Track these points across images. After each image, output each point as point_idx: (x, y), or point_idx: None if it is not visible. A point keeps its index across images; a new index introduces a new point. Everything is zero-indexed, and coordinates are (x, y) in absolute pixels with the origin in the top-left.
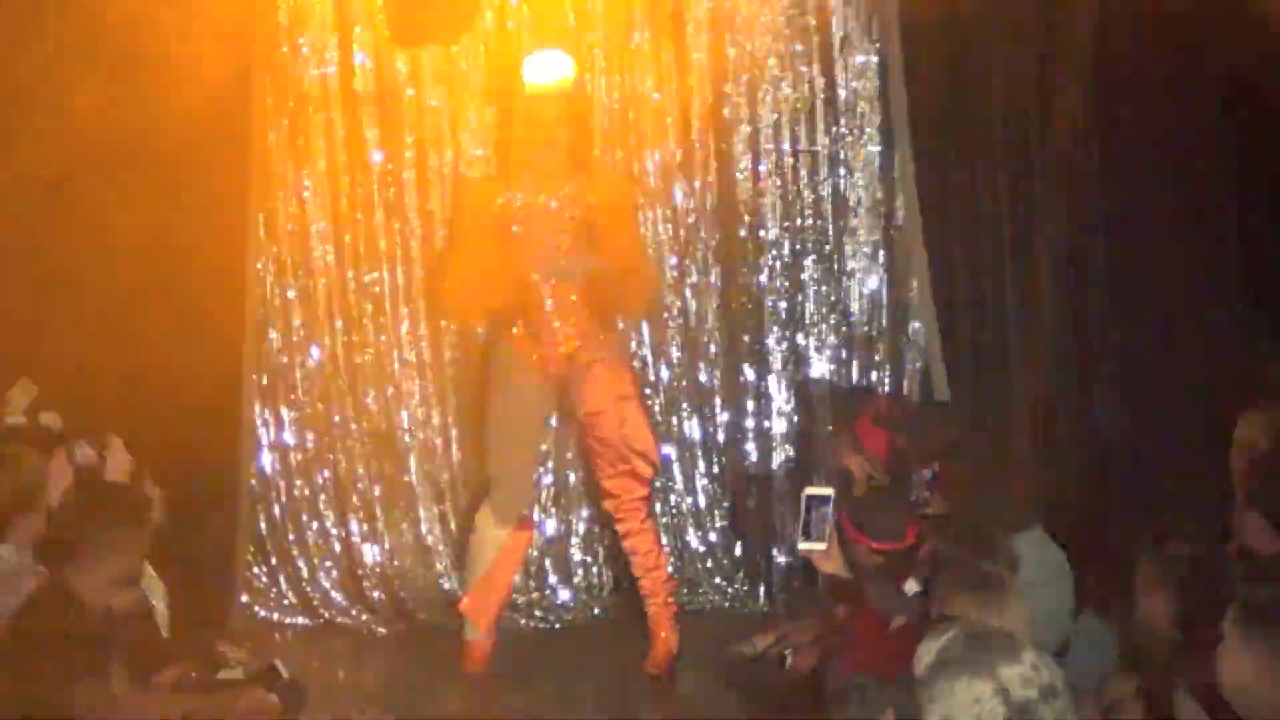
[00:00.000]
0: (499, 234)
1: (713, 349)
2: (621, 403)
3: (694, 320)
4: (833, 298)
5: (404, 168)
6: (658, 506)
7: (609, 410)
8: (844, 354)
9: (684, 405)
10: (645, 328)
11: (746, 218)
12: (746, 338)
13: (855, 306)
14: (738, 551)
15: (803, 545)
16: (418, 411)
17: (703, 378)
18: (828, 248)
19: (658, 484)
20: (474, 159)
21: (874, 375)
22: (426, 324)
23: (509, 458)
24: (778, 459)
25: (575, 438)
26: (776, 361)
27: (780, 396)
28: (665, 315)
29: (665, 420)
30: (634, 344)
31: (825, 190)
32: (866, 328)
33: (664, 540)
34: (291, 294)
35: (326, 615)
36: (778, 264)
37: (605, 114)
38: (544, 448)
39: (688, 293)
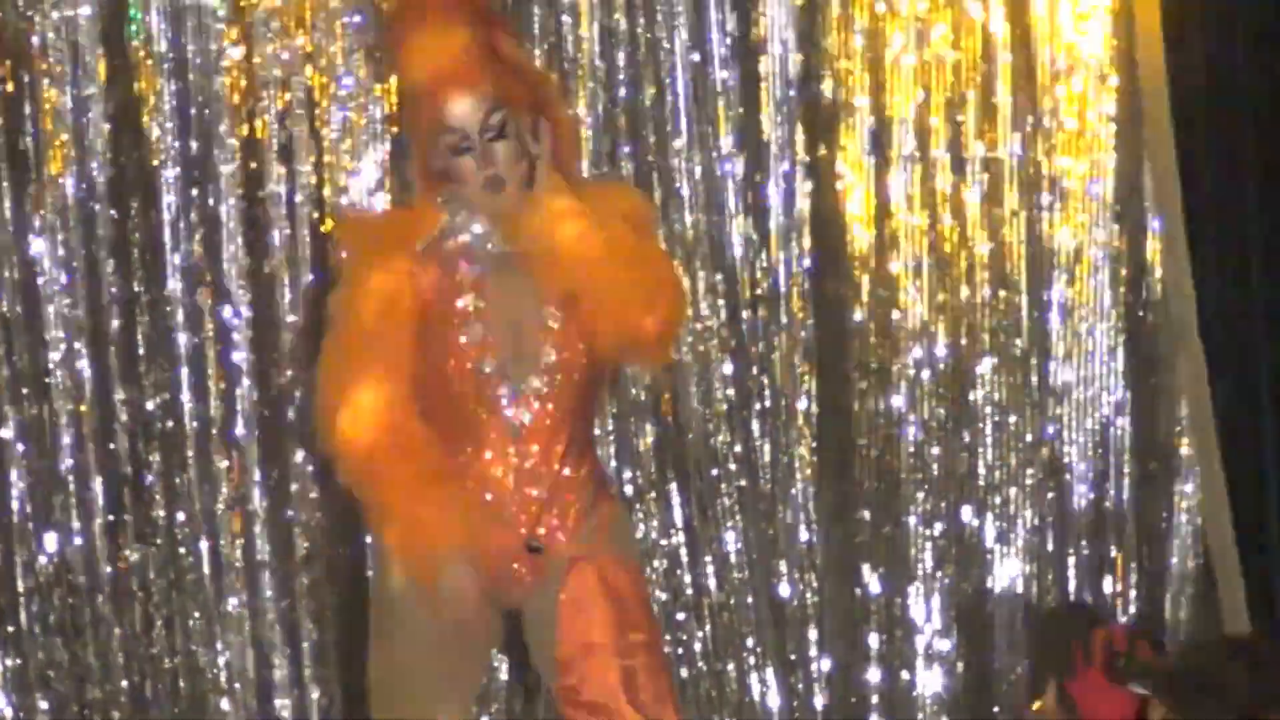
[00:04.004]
0: (423, 316)
1: (804, 535)
2: (626, 637)
3: (766, 476)
4: (1029, 435)
5: (222, 194)
6: None
7: (602, 652)
8: (1052, 541)
9: (749, 639)
10: (674, 489)
11: (866, 285)
12: (867, 513)
13: (1071, 452)
14: None
15: None
16: (247, 656)
17: (783, 589)
18: (1019, 342)
19: None
20: (353, 182)
21: (1107, 583)
22: (266, 496)
23: None
24: None
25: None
26: (924, 558)
27: (932, 622)
28: (713, 468)
29: (710, 670)
30: (647, 526)
31: (1014, 234)
32: (1092, 493)
33: None
34: (8, 433)
35: None
36: (925, 373)
37: (602, 97)
38: None
39: (755, 426)
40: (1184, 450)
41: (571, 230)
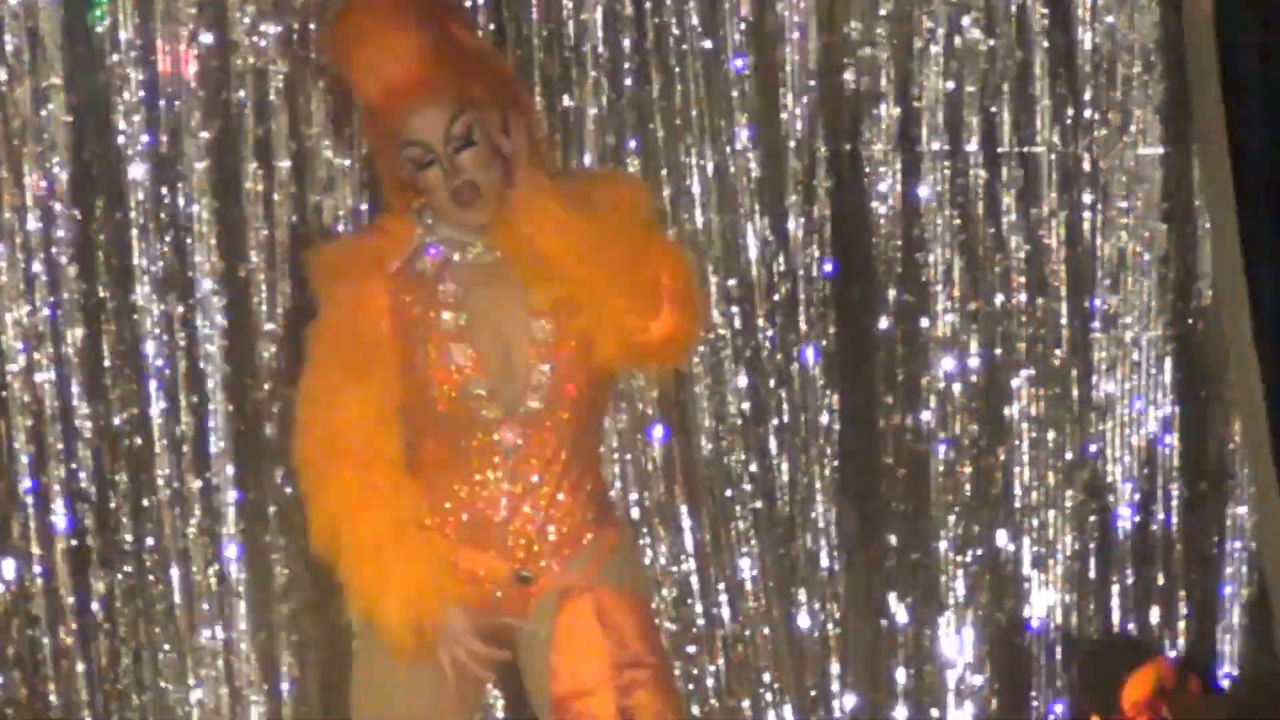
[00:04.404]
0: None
1: (826, 561)
2: (625, 674)
3: (784, 497)
4: (1069, 453)
5: (194, 193)
6: None
7: (599, 690)
8: (1093, 568)
9: (766, 674)
10: (685, 511)
11: (892, 291)
12: (893, 537)
13: (1115, 471)
14: None
15: None
16: (221, 694)
17: (803, 620)
18: (1058, 353)
19: None
20: (339, 178)
21: (1154, 613)
22: (243, 519)
23: None
24: None
25: None
26: (956, 586)
27: (963, 656)
28: (727, 489)
29: (724, 707)
30: (654, 551)
31: (1052, 236)
32: (1137, 515)
33: None
34: None
35: None
36: (956, 386)
37: (607, 87)
38: None
39: (772, 443)
40: (1236, 469)
41: (559, 233)
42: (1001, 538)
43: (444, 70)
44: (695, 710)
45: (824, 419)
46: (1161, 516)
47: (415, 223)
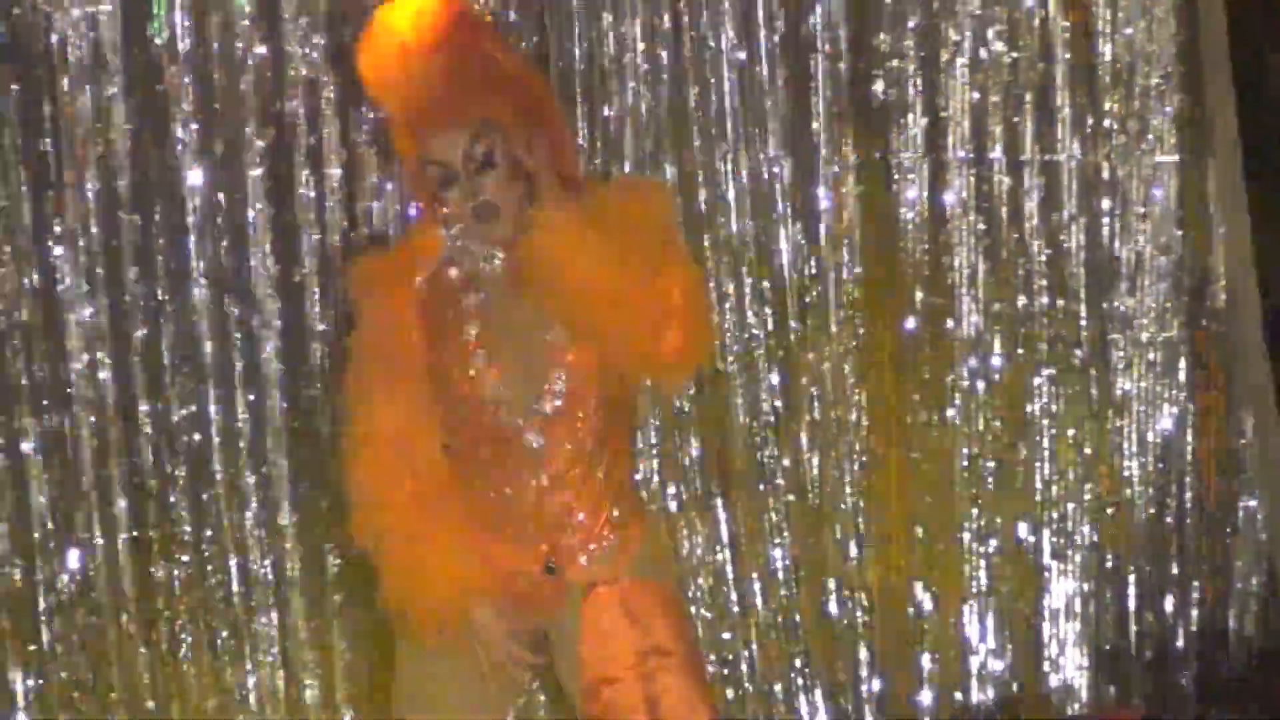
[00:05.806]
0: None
1: (854, 552)
2: (649, 661)
3: (815, 490)
4: (1087, 448)
5: (249, 199)
6: None
7: (625, 677)
8: (1111, 559)
9: (798, 659)
10: (720, 504)
11: (918, 296)
12: (919, 529)
13: (1132, 466)
14: None
15: None
16: (277, 676)
17: (833, 608)
18: (1078, 353)
19: None
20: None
21: (1169, 602)
22: (296, 511)
23: None
24: None
25: None
26: (979, 575)
27: (986, 643)
28: (760, 483)
29: (758, 691)
30: (691, 542)
31: (1072, 240)
32: (1153, 508)
33: None
34: (29, 447)
35: None
36: (980, 384)
37: (646, 96)
38: None
39: (804, 439)
40: (1248, 464)
41: (574, 251)
42: (1023, 529)
43: (465, 92)
44: (730, 693)
45: (852, 416)
46: (1175, 509)
47: (443, 234)
